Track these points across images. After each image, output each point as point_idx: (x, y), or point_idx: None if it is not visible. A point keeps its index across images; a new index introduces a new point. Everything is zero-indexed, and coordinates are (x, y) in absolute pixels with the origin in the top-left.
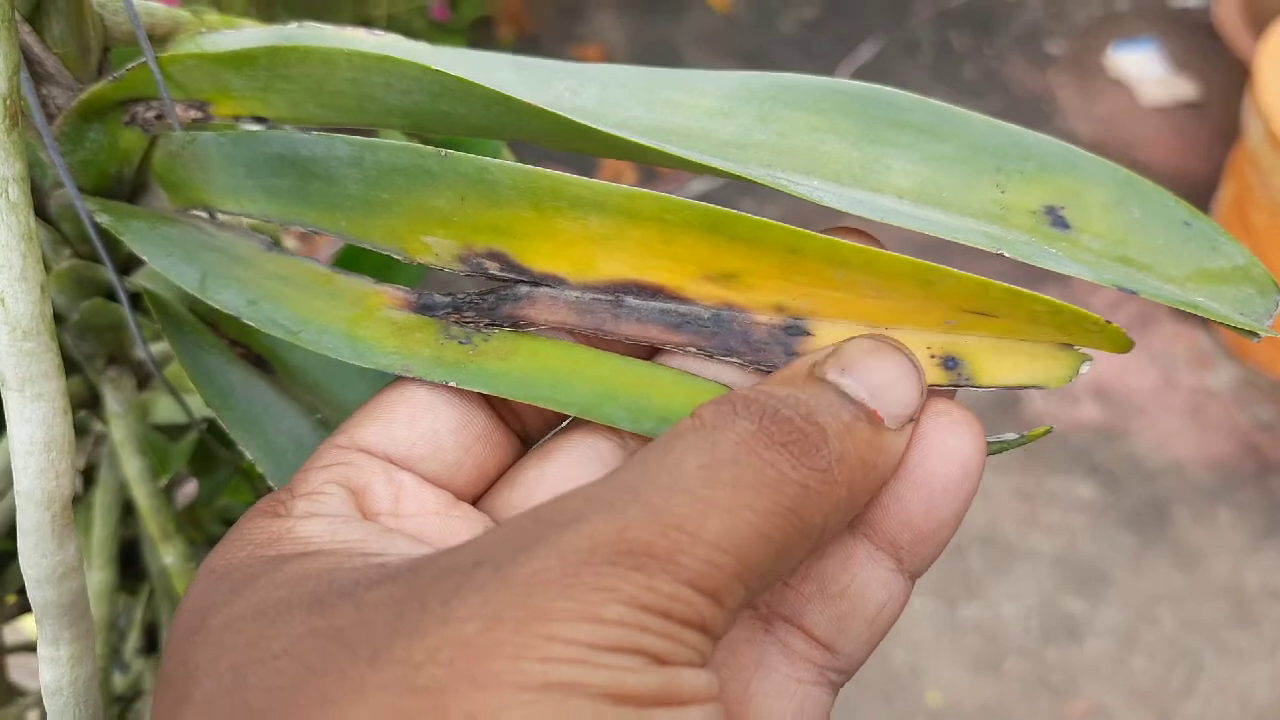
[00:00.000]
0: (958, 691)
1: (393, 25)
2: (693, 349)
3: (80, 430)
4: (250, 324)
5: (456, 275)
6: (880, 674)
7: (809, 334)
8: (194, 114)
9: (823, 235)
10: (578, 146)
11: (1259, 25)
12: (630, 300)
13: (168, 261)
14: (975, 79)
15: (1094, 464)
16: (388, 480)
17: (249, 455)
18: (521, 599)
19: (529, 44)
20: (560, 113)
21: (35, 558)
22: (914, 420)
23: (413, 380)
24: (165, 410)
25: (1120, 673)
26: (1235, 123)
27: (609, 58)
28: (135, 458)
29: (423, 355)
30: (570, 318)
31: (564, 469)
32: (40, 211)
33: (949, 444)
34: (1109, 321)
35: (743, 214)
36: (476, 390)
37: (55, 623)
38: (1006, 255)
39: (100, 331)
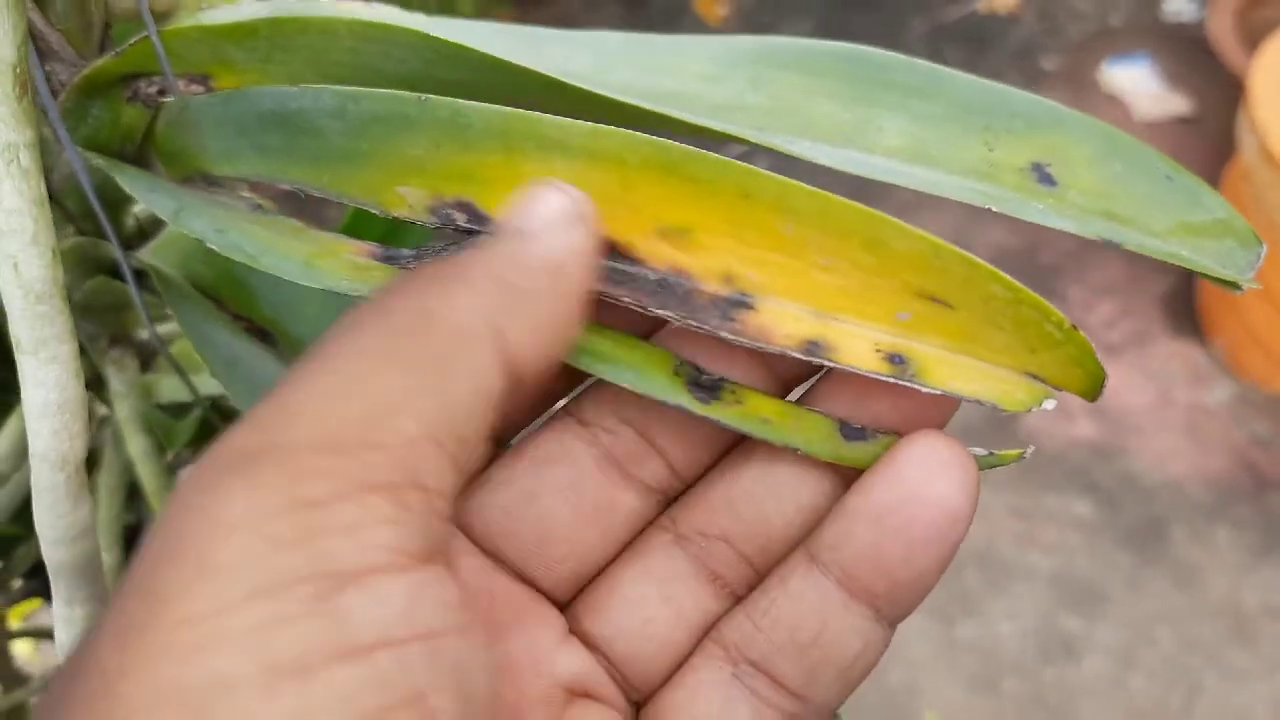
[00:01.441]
0: (955, 711)
1: None
2: (629, 301)
3: None
4: (214, 249)
5: (429, 227)
6: (877, 694)
7: (752, 308)
8: (195, 88)
9: (774, 176)
10: (573, 112)
11: (1252, 40)
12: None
13: (151, 195)
14: None
15: (1091, 482)
16: None
17: None
18: None
19: None
20: (557, 76)
21: (50, 519)
22: (580, 219)
23: None
24: (169, 390)
25: (1119, 692)
26: (1230, 138)
27: None
28: (139, 436)
29: (374, 283)
30: None
31: (536, 468)
32: None
33: (932, 487)
34: (1075, 327)
35: (701, 152)
36: None
37: (70, 583)
38: (995, 210)
39: (104, 311)
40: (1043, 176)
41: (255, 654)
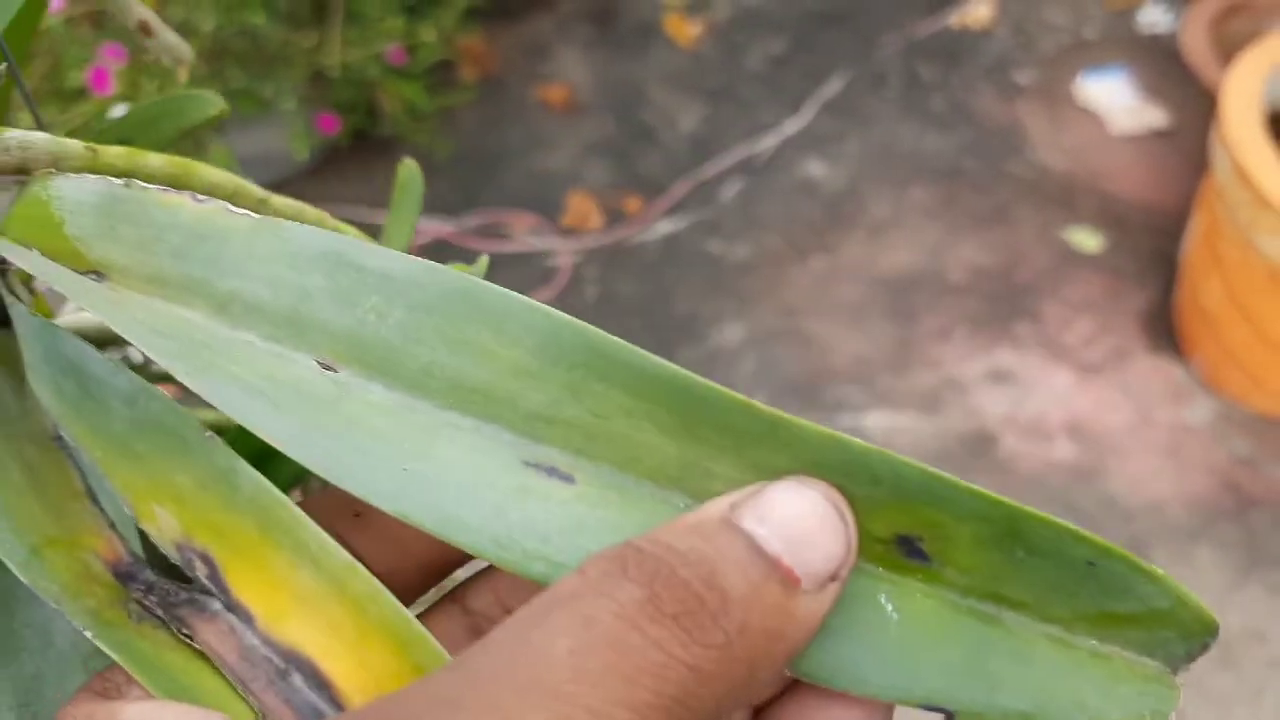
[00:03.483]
0: None
1: (348, 72)
2: None
3: None
4: None
5: (168, 560)
6: None
7: None
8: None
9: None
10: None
11: (1226, 52)
12: (296, 680)
13: None
14: (943, 111)
15: (1071, 504)
16: None
17: None
18: None
19: (493, 85)
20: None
21: None
22: (836, 580)
23: None
24: None
25: None
26: (1205, 151)
27: (574, 97)
28: None
29: (84, 605)
30: (230, 658)
31: None
32: None
33: None
34: None
35: (426, 638)
36: (108, 652)
37: None
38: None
39: None
40: (912, 551)
41: None
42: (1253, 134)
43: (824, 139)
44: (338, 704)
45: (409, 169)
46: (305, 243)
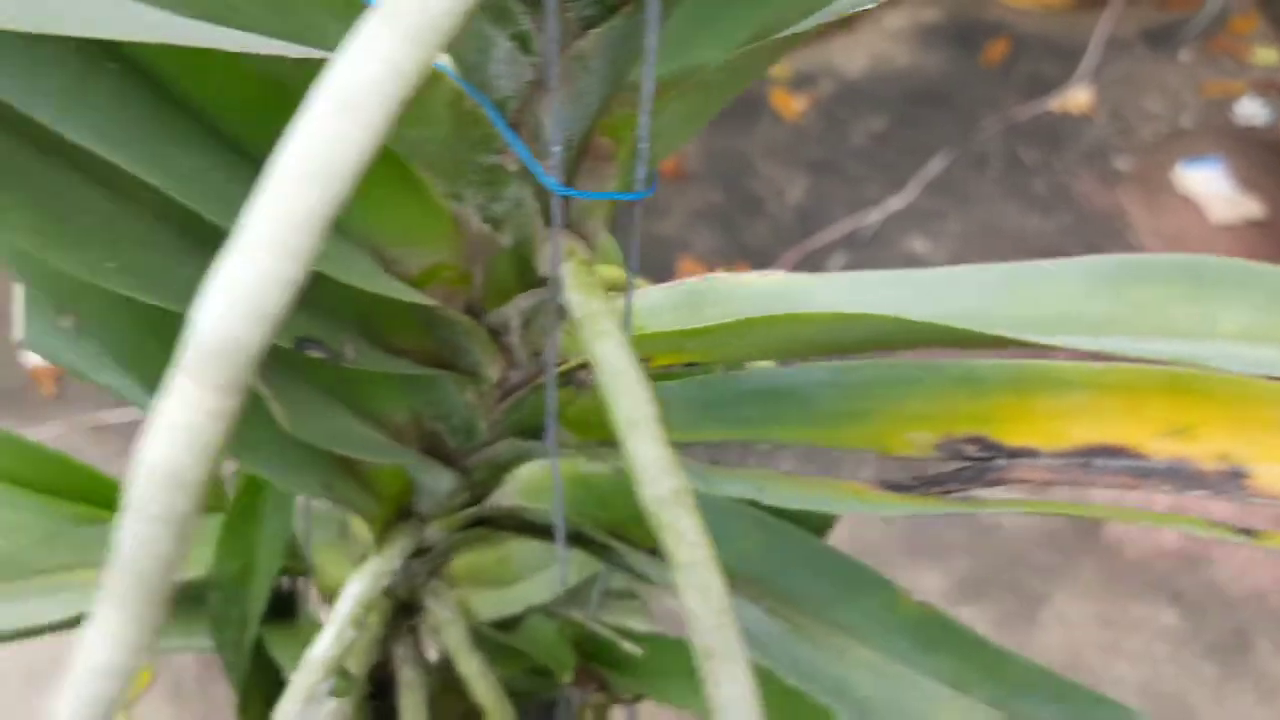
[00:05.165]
0: None
1: None
2: (1138, 493)
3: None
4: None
5: (928, 460)
6: None
7: (1248, 476)
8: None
9: (1268, 383)
10: (960, 346)
11: None
12: (1098, 461)
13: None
14: (1045, 194)
15: (1176, 591)
16: None
17: None
18: None
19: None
20: (958, 325)
21: None
22: None
23: None
24: (482, 606)
25: None
26: None
27: (682, 168)
28: (471, 656)
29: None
30: (1047, 476)
31: None
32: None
33: None
34: None
35: (1202, 374)
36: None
37: None
38: None
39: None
40: None
41: None
42: None
43: (927, 216)
44: (1136, 455)
45: None
46: (871, 278)
